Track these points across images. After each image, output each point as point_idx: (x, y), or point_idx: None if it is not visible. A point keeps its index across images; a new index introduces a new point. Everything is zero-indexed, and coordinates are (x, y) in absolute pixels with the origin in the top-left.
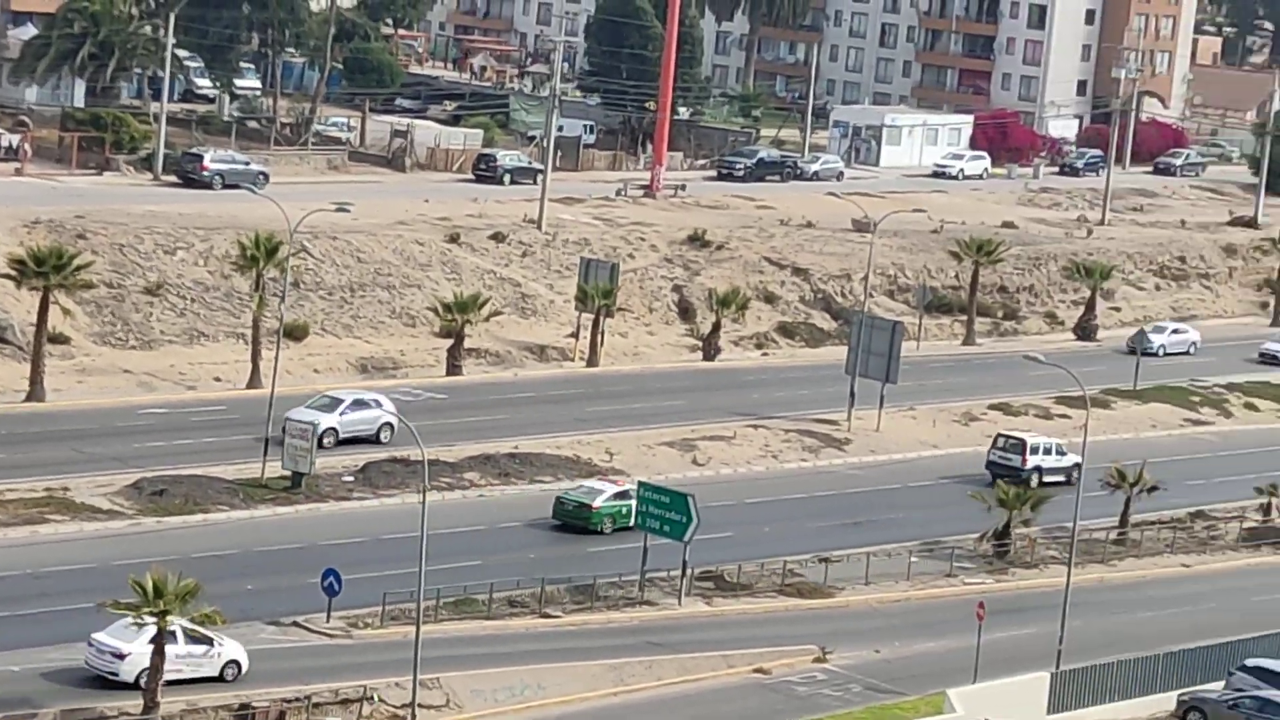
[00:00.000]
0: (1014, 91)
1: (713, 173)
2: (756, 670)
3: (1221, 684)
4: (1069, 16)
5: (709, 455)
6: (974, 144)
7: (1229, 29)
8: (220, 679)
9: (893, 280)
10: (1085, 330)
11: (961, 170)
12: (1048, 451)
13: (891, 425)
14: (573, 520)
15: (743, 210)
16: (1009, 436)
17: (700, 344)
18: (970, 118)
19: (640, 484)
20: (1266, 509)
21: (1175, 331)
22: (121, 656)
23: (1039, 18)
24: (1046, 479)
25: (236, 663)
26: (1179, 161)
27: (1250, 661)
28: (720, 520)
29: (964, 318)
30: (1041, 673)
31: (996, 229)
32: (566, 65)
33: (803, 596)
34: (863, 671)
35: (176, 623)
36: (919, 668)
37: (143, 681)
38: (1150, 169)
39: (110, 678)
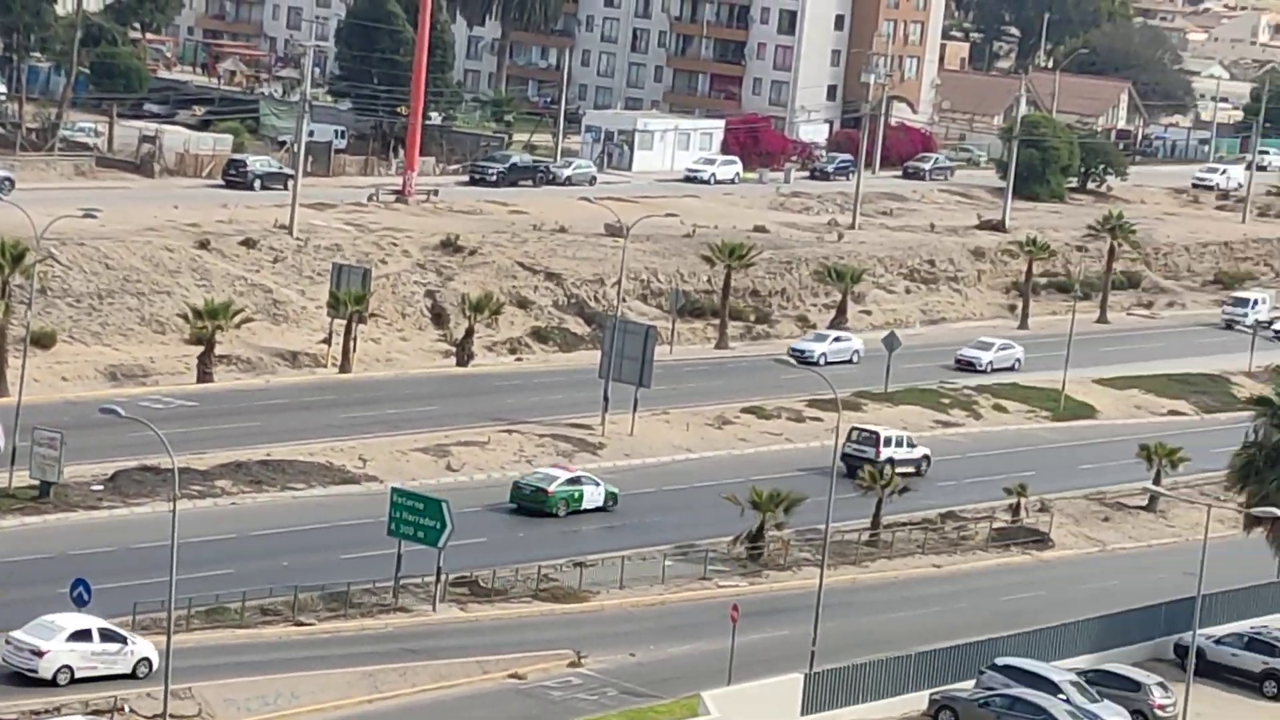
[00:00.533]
0: (765, 96)
1: (465, 178)
2: (512, 675)
3: (972, 683)
4: (819, 22)
5: (463, 461)
6: (725, 148)
7: (976, 34)
8: (133, 675)
9: (646, 285)
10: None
11: (713, 175)
12: (899, 444)
13: (645, 429)
14: (529, 503)
15: (495, 215)
16: (863, 430)
17: (454, 349)
18: (722, 122)
19: (393, 490)
20: (1015, 509)
21: (837, 339)
22: (40, 654)
23: (789, 23)
24: (899, 470)
25: (148, 660)
26: (928, 166)
27: (1000, 660)
28: (475, 525)
29: (716, 321)
30: (795, 674)
31: (748, 233)
32: (317, 70)
33: (557, 601)
34: (618, 675)
35: (92, 621)
36: (674, 670)
37: (60, 679)
38: (900, 173)
39: (29, 674)
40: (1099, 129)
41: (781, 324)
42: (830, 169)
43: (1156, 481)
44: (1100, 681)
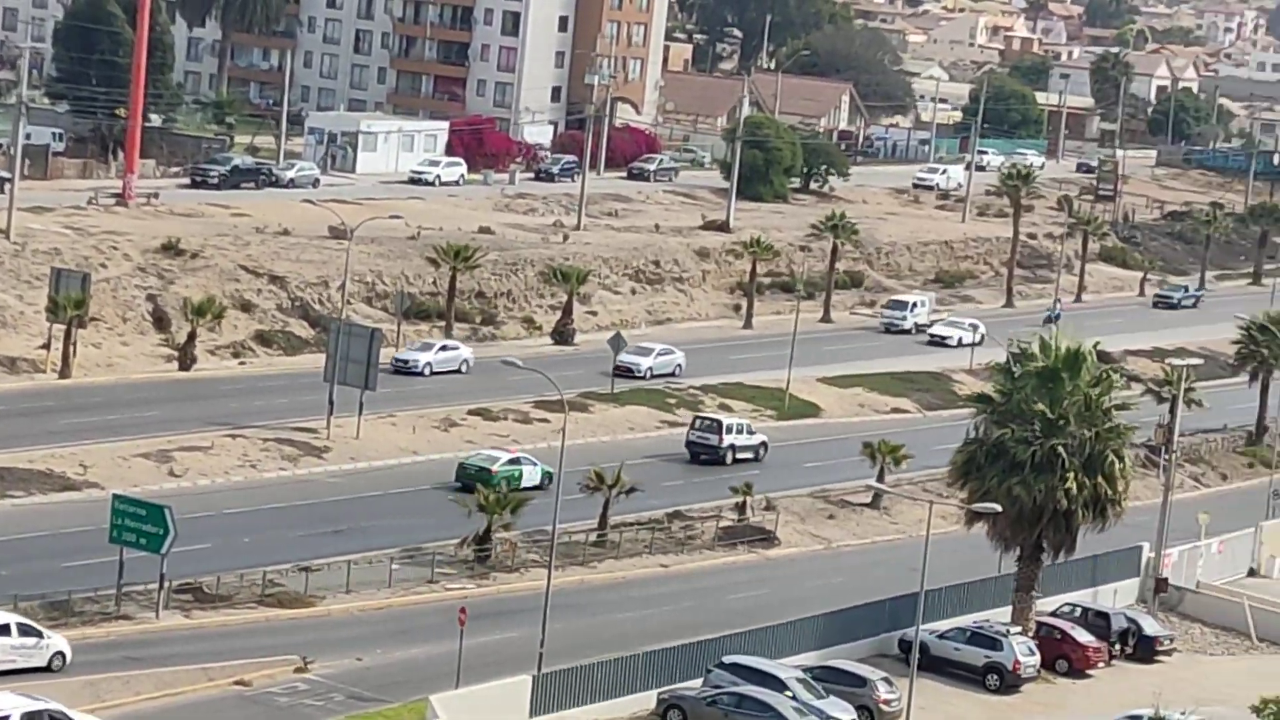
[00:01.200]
0: (489, 98)
1: (187, 180)
2: (237, 682)
3: (700, 681)
4: (542, 24)
5: (186, 466)
6: (450, 150)
7: (699, 36)
8: (49, 669)
9: (371, 287)
10: (563, 335)
11: (438, 176)
12: (740, 431)
13: (371, 432)
14: (474, 482)
15: (218, 218)
16: (706, 418)
17: (176, 354)
18: (446, 124)
19: (115, 497)
20: (741, 507)
21: (444, 349)
22: None
23: (513, 25)
24: (739, 455)
25: (62, 654)
26: (652, 167)
27: (727, 658)
28: (199, 531)
29: (443, 324)
30: (524, 675)
31: (473, 235)
32: (34, 71)
33: (283, 606)
34: (345, 680)
35: (10, 617)
36: (402, 674)
37: None
38: (624, 174)
39: None
40: (821, 130)
41: (508, 325)
42: (555, 170)
43: (880, 479)
44: (826, 678)
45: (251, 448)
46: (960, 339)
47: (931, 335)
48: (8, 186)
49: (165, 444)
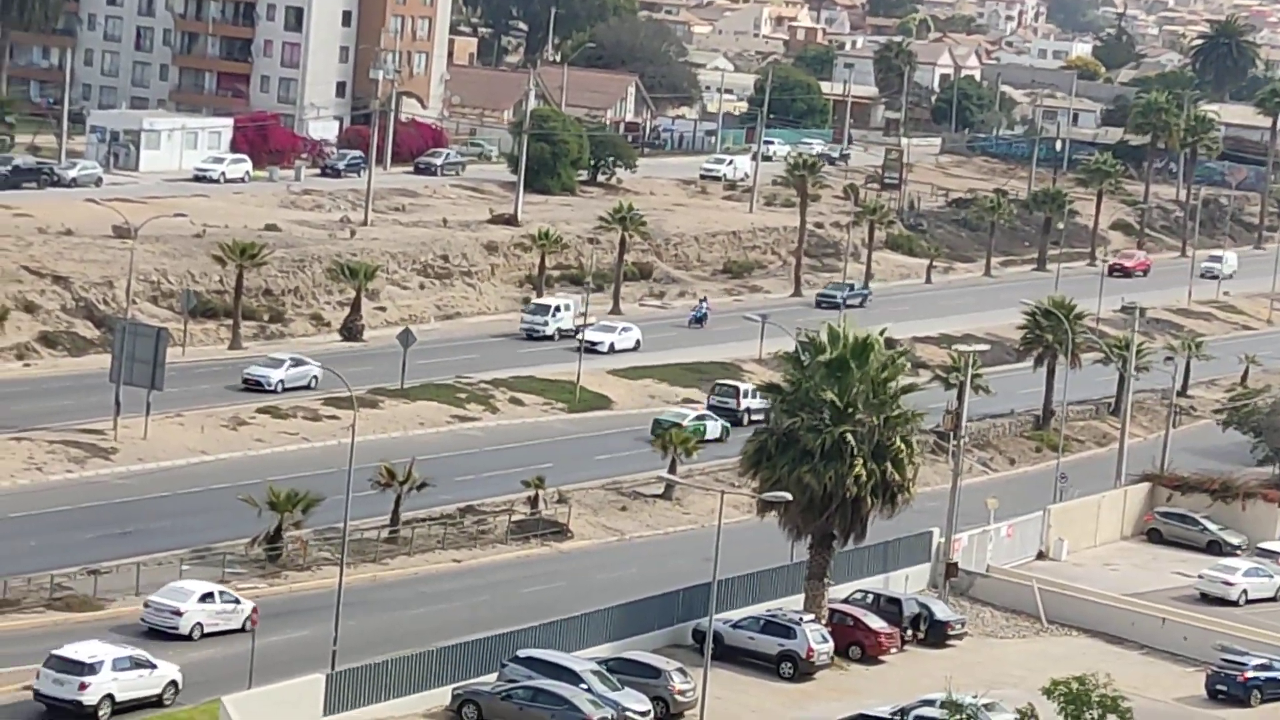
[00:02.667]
0: (274, 94)
1: None
2: (27, 688)
3: (495, 676)
4: (326, 18)
5: None
6: (235, 147)
7: (485, 29)
8: (243, 630)
9: (156, 286)
10: (351, 331)
11: (223, 174)
12: (753, 395)
13: (159, 432)
14: (669, 434)
15: None
16: (724, 384)
17: None
18: (230, 120)
19: None
20: (534, 501)
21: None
22: (179, 614)
23: (296, 20)
24: (754, 418)
25: (251, 617)
26: (439, 161)
27: (522, 652)
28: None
29: (230, 322)
30: (317, 674)
31: (260, 232)
32: None
33: (72, 610)
34: None
35: (214, 585)
36: (195, 676)
37: (194, 634)
38: (411, 169)
39: (169, 631)
40: (607, 122)
41: (296, 322)
42: (341, 166)
43: (672, 470)
44: (621, 669)
45: (37, 450)
46: (612, 345)
47: (580, 341)
48: None
49: None
